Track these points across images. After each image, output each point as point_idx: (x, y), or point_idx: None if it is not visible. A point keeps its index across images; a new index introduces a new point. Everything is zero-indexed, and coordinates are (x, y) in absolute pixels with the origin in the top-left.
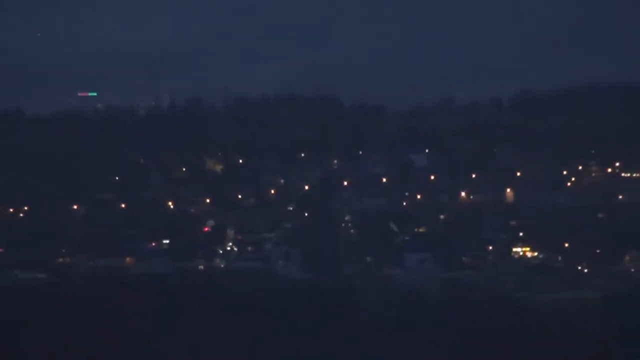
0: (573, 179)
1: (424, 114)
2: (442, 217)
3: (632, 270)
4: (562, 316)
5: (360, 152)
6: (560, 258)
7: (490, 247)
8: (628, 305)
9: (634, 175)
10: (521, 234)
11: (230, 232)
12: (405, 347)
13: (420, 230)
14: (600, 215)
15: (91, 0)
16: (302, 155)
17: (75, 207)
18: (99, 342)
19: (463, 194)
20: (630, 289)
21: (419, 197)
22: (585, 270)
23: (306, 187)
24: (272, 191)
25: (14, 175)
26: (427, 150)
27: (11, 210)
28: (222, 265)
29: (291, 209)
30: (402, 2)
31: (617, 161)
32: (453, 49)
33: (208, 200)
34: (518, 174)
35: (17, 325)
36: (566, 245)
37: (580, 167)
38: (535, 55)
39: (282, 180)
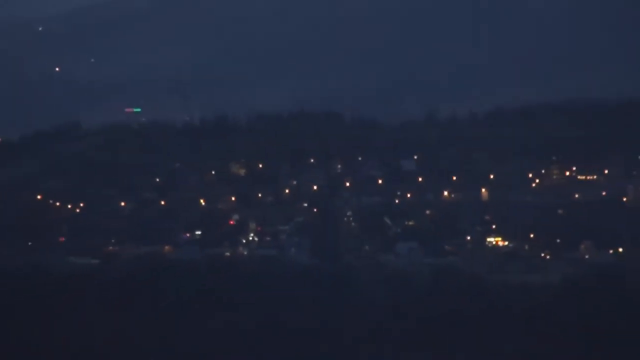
0: (537, 180)
1: (412, 126)
2: (427, 212)
3: (586, 257)
4: (528, 295)
5: (359, 159)
6: (526, 247)
7: (468, 238)
8: (583, 285)
9: (588, 178)
10: (494, 226)
11: (252, 225)
12: (396, 319)
13: (410, 223)
14: (559, 211)
15: (136, 34)
16: (311, 161)
17: (122, 204)
18: (143, 316)
19: (445, 193)
20: (585, 272)
21: (408, 195)
22: (547, 257)
23: (314, 188)
24: (286, 191)
25: (72, 177)
26: (415, 157)
27: (69, 206)
28: (244, 253)
29: (302, 206)
30: (392, 35)
31: (574, 166)
32: (437, 71)
33: (233, 199)
34: (491, 176)
35: (74, 303)
36: (531, 236)
37: (543, 171)
38: (508, 75)
39: (294, 182)
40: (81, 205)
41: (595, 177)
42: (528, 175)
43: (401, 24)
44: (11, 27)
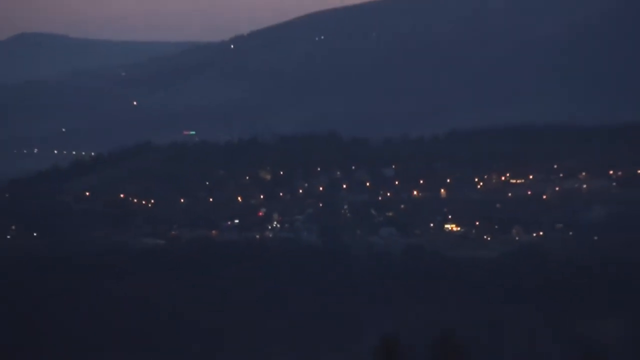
0: (481, 183)
1: (391, 143)
2: (402, 206)
3: (517, 238)
4: (474, 266)
5: (353, 167)
6: (473, 231)
7: (431, 225)
8: (514, 259)
9: (518, 181)
10: (450, 216)
11: (275, 216)
12: (380, 281)
13: (389, 214)
14: (497, 205)
15: (195, 77)
16: (318, 169)
17: (182, 200)
18: (197, 280)
19: (415, 192)
20: (515, 250)
21: (388, 194)
22: (488, 238)
23: (320, 189)
24: (300, 190)
25: (145, 181)
26: (393, 166)
27: (143, 202)
28: (270, 235)
29: (311, 201)
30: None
31: (508, 173)
32: (410, 101)
33: (261, 196)
34: (448, 180)
35: (147, 272)
36: (477, 223)
37: (485, 177)
38: (463, 105)
39: (305, 184)
40: (152, 201)
41: (523, 180)
42: (475, 179)
43: (383, 66)
44: (103, 71)
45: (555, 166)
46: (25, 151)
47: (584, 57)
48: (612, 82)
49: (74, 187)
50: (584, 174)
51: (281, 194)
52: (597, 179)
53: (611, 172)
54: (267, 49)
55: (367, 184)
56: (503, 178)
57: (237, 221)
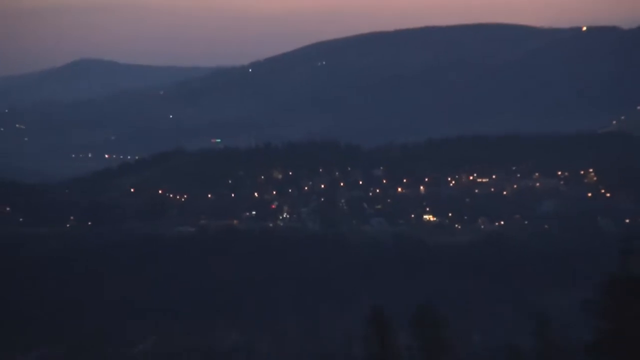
0: (453, 182)
1: (380, 150)
2: (389, 200)
3: (482, 227)
4: (448, 249)
5: (348, 169)
6: (447, 221)
7: (412, 215)
8: (481, 244)
9: (483, 180)
10: (427, 209)
11: (285, 208)
12: (369, 261)
13: (378, 207)
14: (467, 199)
15: (222, 95)
16: (320, 170)
17: (209, 195)
18: (221, 259)
19: (399, 189)
20: (481, 236)
21: (377, 191)
22: (459, 227)
23: (322, 186)
24: (305, 188)
25: (179, 180)
26: (381, 168)
27: (177, 197)
28: (280, 224)
29: (315, 197)
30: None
31: (475, 173)
32: (392, 118)
33: (274, 192)
34: (426, 179)
35: (181, 252)
36: (450, 214)
37: (457, 176)
38: (437, 120)
39: (310, 183)
40: (184, 196)
41: (487, 179)
42: (448, 179)
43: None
44: (145, 90)
45: (514, 168)
46: (81, 156)
47: (535, 81)
48: (558, 101)
49: (121, 185)
50: (537, 174)
51: (290, 191)
52: (547, 178)
53: (559, 172)
54: (279, 72)
55: (360, 182)
56: (471, 178)
57: (254, 212)
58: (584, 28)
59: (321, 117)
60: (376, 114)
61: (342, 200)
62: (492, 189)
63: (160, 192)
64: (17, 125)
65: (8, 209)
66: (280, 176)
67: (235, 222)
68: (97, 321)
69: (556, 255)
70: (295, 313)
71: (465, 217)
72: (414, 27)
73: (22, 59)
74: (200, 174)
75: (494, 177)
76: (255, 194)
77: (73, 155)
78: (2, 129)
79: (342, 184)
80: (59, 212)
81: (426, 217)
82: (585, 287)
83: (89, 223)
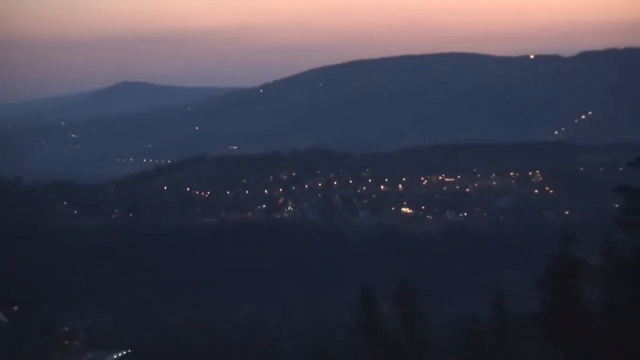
0: (426, 181)
1: (367, 156)
2: (373, 196)
3: (449, 218)
4: (421, 236)
5: (341, 171)
6: (420, 213)
7: (393, 209)
8: (448, 232)
9: (450, 179)
10: (405, 203)
11: (289, 202)
12: (358, 246)
13: (365, 202)
14: (436, 195)
15: (239, 111)
16: (318, 172)
17: (227, 192)
18: (234, 246)
19: (382, 187)
20: (448, 226)
21: (364, 189)
22: (430, 218)
23: (320, 185)
24: (306, 186)
25: (202, 180)
26: (367, 170)
27: (202, 194)
28: (286, 216)
29: (314, 193)
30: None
31: (443, 174)
32: (379, 131)
33: (280, 190)
34: (404, 179)
35: (203, 238)
36: (423, 207)
37: (428, 177)
38: (419, 133)
39: (310, 182)
40: (208, 194)
41: (453, 179)
42: (421, 179)
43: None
44: (175, 107)
45: (475, 170)
46: (124, 160)
47: (493, 100)
48: (511, 116)
49: (156, 184)
50: (493, 175)
51: (293, 189)
52: (502, 178)
53: (511, 174)
54: (285, 92)
55: (350, 182)
56: (440, 178)
57: (264, 206)
58: (532, 56)
59: (319, 130)
60: (364, 127)
61: (336, 197)
62: (457, 187)
63: (187, 190)
64: (71, 136)
65: (65, 203)
66: (285, 177)
67: (249, 214)
68: (139, 293)
69: (509, 241)
70: (299, 288)
71: (435, 210)
72: (395, 56)
73: (77, 81)
74: (220, 176)
75: (458, 177)
76: (265, 191)
77: (117, 160)
78: (59, 139)
79: (336, 184)
80: (106, 207)
81: (404, 209)
82: (533, 267)
83: (130, 215)
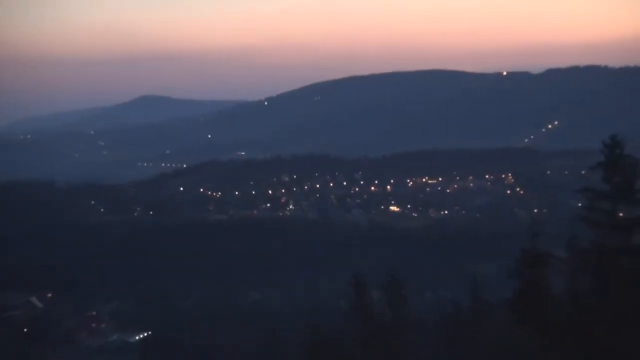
0: (411, 183)
1: (359, 160)
2: (365, 196)
3: (432, 215)
4: (407, 231)
5: (336, 174)
6: (406, 210)
7: (382, 207)
8: (431, 228)
9: (433, 181)
10: (393, 202)
11: (291, 201)
12: (352, 239)
13: (357, 201)
14: (421, 195)
15: (246, 120)
16: (316, 174)
17: (236, 192)
18: (243, 239)
19: (372, 188)
20: (432, 221)
21: (357, 189)
22: (416, 215)
23: (317, 186)
24: (306, 187)
25: (214, 181)
26: (360, 172)
27: (212, 193)
28: (288, 213)
29: (312, 193)
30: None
31: (426, 176)
32: (370, 138)
33: (283, 190)
34: (392, 180)
35: (216, 235)
36: (408, 206)
37: (414, 179)
38: (400, 136)
39: (309, 183)
40: (218, 193)
41: (435, 181)
42: (407, 180)
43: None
44: (190, 118)
45: (454, 173)
46: (145, 164)
47: (469, 112)
48: (486, 126)
49: (173, 185)
50: (471, 177)
51: (294, 189)
52: (478, 180)
53: (487, 176)
54: (286, 105)
55: (345, 183)
56: (424, 180)
57: (268, 205)
58: (504, 72)
59: (317, 137)
60: (356, 135)
61: (332, 196)
62: (439, 188)
63: (201, 190)
64: (99, 143)
65: (93, 202)
66: (287, 179)
67: (255, 212)
68: (158, 281)
69: (485, 235)
70: (298, 276)
71: (420, 208)
72: (383, 72)
73: (103, 95)
74: (230, 178)
75: (440, 179)
76: (269, 191)
77: (139, 164)
78: (89, 146)
79: (331, 184)
80: (129, 205)
81: (392, 207)
82: (506, 258)
83: (150, 212)
